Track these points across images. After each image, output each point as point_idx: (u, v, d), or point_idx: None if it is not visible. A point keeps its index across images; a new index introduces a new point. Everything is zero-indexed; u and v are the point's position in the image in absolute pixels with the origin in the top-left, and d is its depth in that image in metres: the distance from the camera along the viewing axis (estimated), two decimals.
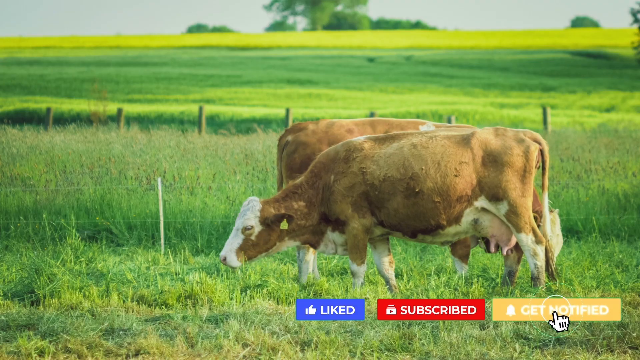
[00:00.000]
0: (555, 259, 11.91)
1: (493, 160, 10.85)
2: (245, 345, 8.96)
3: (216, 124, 39.38)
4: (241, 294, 10.79)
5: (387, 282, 11.24)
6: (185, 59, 74.77)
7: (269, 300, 10.67)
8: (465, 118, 40.82)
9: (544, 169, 11.02)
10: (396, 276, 12.35)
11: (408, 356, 8.76)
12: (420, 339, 9.06)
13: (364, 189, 10.97)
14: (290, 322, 9.57)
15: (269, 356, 8.72)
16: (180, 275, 11.79)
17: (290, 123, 30.96)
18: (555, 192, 16.51)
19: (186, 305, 10.50)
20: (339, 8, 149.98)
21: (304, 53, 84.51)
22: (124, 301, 10.62)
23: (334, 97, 51.01)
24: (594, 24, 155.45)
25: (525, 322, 9.58)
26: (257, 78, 60.04)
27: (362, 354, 8.79)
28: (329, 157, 11.16)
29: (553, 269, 11.08)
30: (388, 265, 11.31)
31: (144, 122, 35.62)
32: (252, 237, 11.14)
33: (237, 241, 11.14)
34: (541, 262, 10.92)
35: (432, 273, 11.94)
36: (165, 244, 14.59)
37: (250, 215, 11.15)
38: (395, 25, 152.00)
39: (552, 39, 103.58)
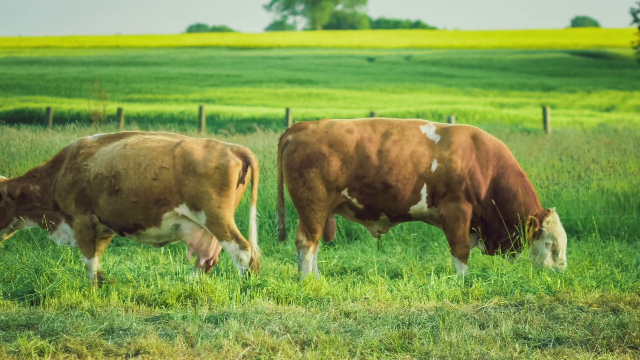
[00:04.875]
0: (564, 257, 11.93)
1: (192, 171, 11.28)
2: (245, 345, 8.96)
3: (216, 123, 39.39)
4: (241, 293, 10.79)
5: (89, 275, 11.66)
6: (185, 59, 74.77)
7: (268, 300, 10.67)
8: (465, 118, 40.83)
9: (252, 182, 11.44)
10: (396, 275, 12.35)
11: (408, 356, 8.76)
12: (420, 339, 9.06)
13: (84, 186, 11.43)
14: (290, 322, 9.57)
15: (268, 356, 8.72)
16: (180, 275, 11.79)
17: (290, 123, 30.96)
18: (555, 191, 16.51)
19: (186, 305, 10.50)
20: (339, 8, 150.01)
21: (303, 53, 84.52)
22: (123, 301, 10.62)
23: (334, 97, 51.01)
24: (594, 24, 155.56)
25: (526, 322, 9.59)
26: (257, 78, 60.05)
27: (362, 353, 8.79)
28: (66, 151, 11.67)
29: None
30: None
31: (144, 121, 35.62)
32: None
33: None
34: (246, 266, 11.33)
35: (432, 273, 11.94)
36: None
37: None
38: (395, 25, 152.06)
39: (552, 38, 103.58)
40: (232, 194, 11.31)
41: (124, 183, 11.29)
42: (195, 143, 11.42)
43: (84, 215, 11.44)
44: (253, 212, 11.52)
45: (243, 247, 11.30)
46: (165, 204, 11.29)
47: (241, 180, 11.35)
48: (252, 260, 11.41)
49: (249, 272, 11.33)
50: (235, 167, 11.28)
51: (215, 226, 11.25)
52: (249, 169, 11.41)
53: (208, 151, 11.34)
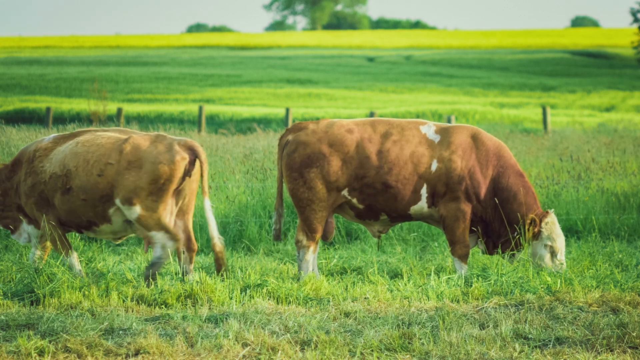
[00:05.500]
0: (563, 258, 11.92)
1: (137, 166, 11.33)
2: (245, 345, 8.96)
3: (216, 123, 39.40)
4: (241, 293, 10.79)
5: (33, 266, 11.77)
6: (185, 59, 74.76)
7: (268, 299, 10.67)
8: (465, 118, 40.83)
9: (202, 175, 11.50)
10: (396, 275, 12.36)
11: (408, 356, 8.76)
12: (420, 339, 9.06)
13: (42, 188, 11.52)
14: (290, 322, 9.57)
15: (268, 356, 8.72)
16: (180, 275, 11.78)
17: (290, 123, 30.95)
18: (555, 191, 16.51)
19: (186, 304, 10.49)
20: (339, 8, 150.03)
21: (303, 53, 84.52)
22: (123, 301, 10.61)
23: (334, 97, 51.02)
24: (594, 24, 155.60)
25: (526, 322, 9.58)
26: (257, 78, 60.05)
27: (362, 353, 8.79)
28: (24, 155, 11.76)
29: (223, 270, 11.59)
30: (34, 256, 11.91)
31: (144, 121, 35.60)
32: None
33: None
34: (167, 256, 11.41)
35: (432, 273, 11.94)
36: None
37: None
38: (395, 24, 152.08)
39: (552, 38, 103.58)
40: (172, 189, 11.34)
41: (74, 181, 11.37)
42: (142, 139, 11.49)
43: (48, 216, 11.52)
44: (207, 203, 11.60)
45: (173, 238, 11.37)
46: (108, 199, 11.37)
47: (187, 173, 11.39)
48: (217, 247, 11.55)
49: (223, 268, 11.45)
50: (181, 161, 11.34)
51: (147, 219, 11.29)
52: (197, 162, 11.47)
53: (155, 146, 11.40)
